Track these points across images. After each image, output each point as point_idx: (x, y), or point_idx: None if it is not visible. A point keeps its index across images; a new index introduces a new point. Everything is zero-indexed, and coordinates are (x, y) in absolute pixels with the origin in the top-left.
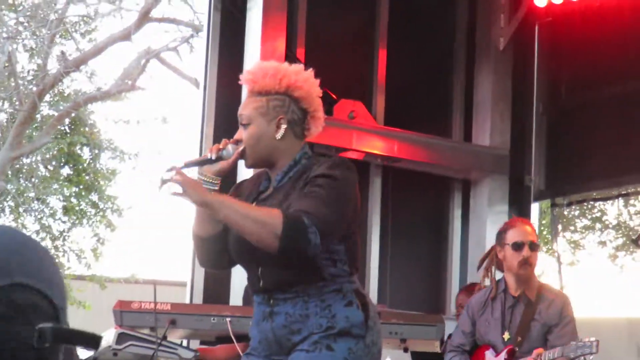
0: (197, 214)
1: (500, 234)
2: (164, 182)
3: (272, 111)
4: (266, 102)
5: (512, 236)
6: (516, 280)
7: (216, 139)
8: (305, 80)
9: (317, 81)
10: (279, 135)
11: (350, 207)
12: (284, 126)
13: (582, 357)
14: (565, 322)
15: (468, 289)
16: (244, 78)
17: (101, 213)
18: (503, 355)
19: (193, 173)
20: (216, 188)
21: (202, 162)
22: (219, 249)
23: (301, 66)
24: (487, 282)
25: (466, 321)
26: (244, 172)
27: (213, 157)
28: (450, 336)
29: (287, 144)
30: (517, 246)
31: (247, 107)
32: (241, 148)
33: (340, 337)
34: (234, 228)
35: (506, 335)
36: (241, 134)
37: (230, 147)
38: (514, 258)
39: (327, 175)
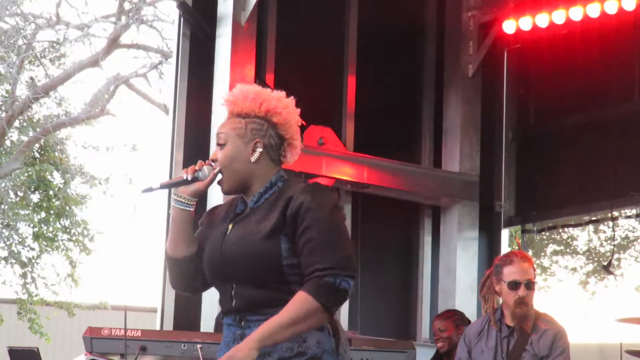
0: (172, 235)
1: (498, 268)
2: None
3: (250, 134)
4: (244, 125)
5: (509, 273)
6: (512, 316)
7: (185, 165)
8: (285, 106)
9: (298, 110)
10: (253, 158)
11: (346, 229)
12: (259, 149)
13: None
14: (556, 354)
15: (444, 315)
16: (224, 99)
17: (74, 238)
18: None
19: (165, 194)
20: (191, 209)
21: (178, 184)
22: (193, 270)
23: (283, 93)
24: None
25: (463, 349)
26: (214, 197)
27: (189, 178)
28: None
29: (262, 168)
30: (514, 285)
31: (225, 126)
32: (217, 169)
33: None
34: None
35: None
36: (217, 154)
37: (206, 168)
38: (510, 297)
39: (314, 218)
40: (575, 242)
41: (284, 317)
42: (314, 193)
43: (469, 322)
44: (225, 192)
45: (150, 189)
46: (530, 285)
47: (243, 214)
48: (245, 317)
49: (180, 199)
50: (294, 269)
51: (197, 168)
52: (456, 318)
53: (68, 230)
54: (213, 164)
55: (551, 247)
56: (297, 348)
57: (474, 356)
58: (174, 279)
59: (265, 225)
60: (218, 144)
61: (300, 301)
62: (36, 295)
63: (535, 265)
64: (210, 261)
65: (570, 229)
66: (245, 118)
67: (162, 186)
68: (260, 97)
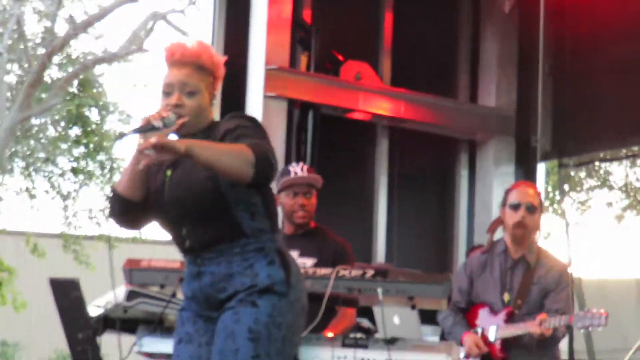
0: (130, 177)
1: (505, 195)
2: (142, 152)
3: (210, 86)
4: (207, 77)
5: (512, 197)
6: (512, 241)
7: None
8: (223, 63)
9: None
10: (211, 108)
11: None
12: (213, 101)
13: (590, 328)
14: (562, 287)
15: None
16: (183, 50)
17: (109, 174)
18: (501, 316)
19: (135, 140)
20: (153, 154)
21: (148, 130)
22: (142, 210)
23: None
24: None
25: (463, 279)
26: None
27: (160, 126)
28: None
29: (210, 117)
30: (514, 207)
31: (192, 76)
32: (186, 118)
33: (263, 294)
34: (214, 166)
35: (506, 297)
36: (180, 100)
37: (172, 115)
38: (510, 218)
39: (244, 125)
40: (611, 178)
41: (221, 146)
42: (240, 115)
43: None
44: (182, 136)
45: (124, 135)
46: (531, 208)
47: (178, 160)
48: (200, 255)
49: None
50: (238, 198)
51: (164, 115)
52: None
53: (104, 165)
54: (176, 110)
55: (587, 184)
56: (250, 282)
57: (477, 286)
58: (123, 218)
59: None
60: (187, 92)
61: (240, 147)
62: (79, 228)
63: (572, 201)
64: (156, 208)
65: (607, 164)
66: (205, 71)
67: (135, 131)
68: (213, 52)
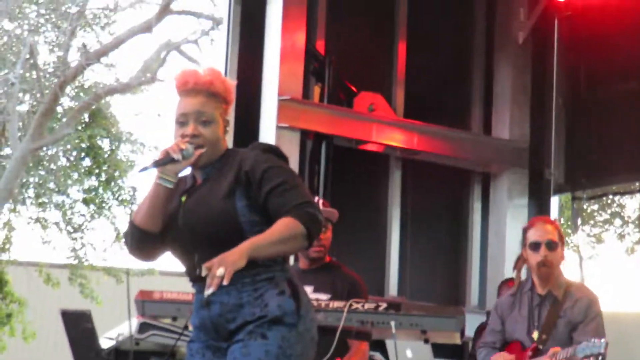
0: (150, 210)
1: (523, 233)
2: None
3: (224, 113)
4: (220, 104)
5: (530, 236)
6: (539, 279)
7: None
8: (234, 87)
9: None
10: (225, 135)
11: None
12: (227, 128)
13: (592, 358)
14: (590, 318)
15: (508, 283)
16: (196, 78)
17: (123, 204)
18: (528, 353)
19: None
20: (172, 186)
21: (168, 162)
22: (159, 241)
23: None
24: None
25: (496, 320)
26: None
27: (179, 158)
28: (478, 330)
29: (224, 144)
30: (535, 246)
31: (206, 105)
32: (204, 149)
33: (273, 325)
34: (275, 257)
35: (535, 334)
36: (197, 129)
37: (189, 147)
38: (533, 258)
39: (273, 167)
40: (624, 211)
41: (272, 234)
42: (260, 147)
43: None
44: (200, 167)
45: (145, 168)
46: (551, 245)
47: (194, 187)
48: None
49: (166, 177)
50: (253, 227)
51: (182, 147)
52: None
53: (117, 196)
54: (193, 140)
55: (600, 217)
56: (259, 312)
57: (508, 326)
58: (140, 250)
59: (218, 189)
60: (202, 121)
61: (288, 223)
62: (86, 260)
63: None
64: (170, 233)
65: (620, 197)
66: (217, 98)
67: (154, 165)
68: (223, 78)
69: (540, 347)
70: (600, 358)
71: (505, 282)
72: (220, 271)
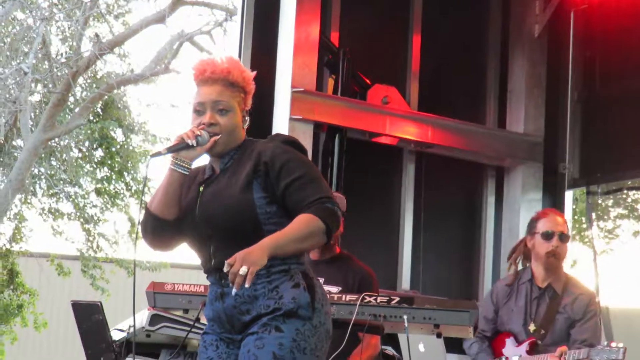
0: (165, 197)
1: (532, 223)
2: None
3: (242, 102)
4: (238, 94)
5: (542, 225)
6: (544, 270)
7: (250, 123)
8: (252, 78)
9: None
10: (245, 126)
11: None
12: (247, 118)
13: None
14: (589, 317)
15: None
16: (214, 67)
17: (135, 195)
18: (525, 346)
19: (168, 158)
20: (188, 172)
21: (182, 148)
22: (175, 230)
23: None
24: (513, 271)
25: (489, 308)
26: None
27: (194, 144)
28: None
29: (243, 134)
30: (547, 236)
31: (224, 94)
32: (219, 136)
33: (287, 318)
34: (296, 254)
35: (532, 327)
36: (214, 118)
37: (205, 133)
38: (543, 247)
39: (293, 159)
40: (639, 206)
41: (292, 231)
42: (279, 139)
43: None
44: (214, 156)
45: (159, 154)
46: (563, 237)
47: (212, 177)
48: (224, 276)
49: (181, 163)
50: (270, 218)
51: (197, 133)
52: None
53: (129, 187)
54: (209, 128)
55: (615, 211)
56: (274, 305)
57: (502, 315)
58: (156, 238)
59: (236, 180)
60: (218, 109)
61: (307, 220)
62: (100, 251)
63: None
64: (187, 223)
65: (634, 192)
66: (236, 87)
67: (169, 150)
68: (243, 67)
69: (539, 342)
70: None
71: None
72: (243, 269)
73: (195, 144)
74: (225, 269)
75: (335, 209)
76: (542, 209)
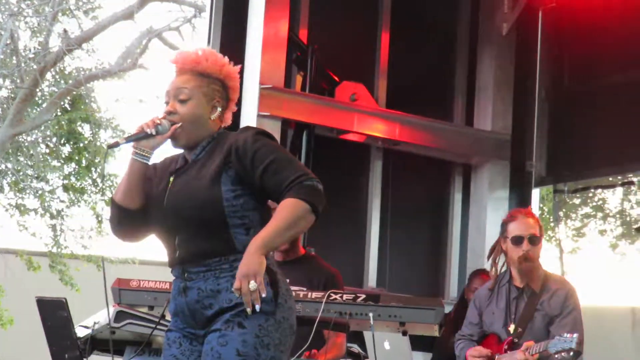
0: (127, 186)
1: (503, 225)
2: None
3: (212, 93)
4: (207, 84)
5: (512, 229)
6: (519, 273)
7: None
8: (236, 72)
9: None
10: (213, 117)
11: None
12: (219, 109)
13: (564, 353)
14: (567, 312)
15: (481, 275)
16: (184, 58)
17: (101, 192)
18: (504, 346)
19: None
20: (148, 162)
21: (141, 138)
22: (142, 221)
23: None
24: (494, 272)
25: (474, 312)
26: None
27: (153, 132)
28: (448, 316)
29: (213, 126)
30: (517, 240)
31: (188, 83)
32: (179, 124)
33: (250, 314)
34: (289, 241)
35: (512, 327)
36: (175, 107)
37: (165, 122)
38: (514, 253)
39: (264, 145)
40: (606, 205)
41: (278, 222)
42: (251, 131)
43: None
44: (179, 147)
45: (117, 144)
46: (533, 239)
47: (183, 167)
48: (187, 269)
49: (141, 152)
50: (236, 212)
51: (157, 122)
52: None
53: (96, 183)
54: (169, 117)
55: (581, 210)
56: (236, 299)
57: (485, 318)
58: (122, 229)
59: (206, 171)
60: (179, 99)
61: (290, 205)
62: (65, 248)
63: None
64: (155, 213)
65: (601, 191)
66: (208, 78)
67: (127, 140)
68: (221, 60)
69: (516, 340)
70: (571, 353)
71: (476, 273)
72: (252, 285)
73: (154, 133)
74: (237, 296)
75: (314, 184)
76: (511, 208)
